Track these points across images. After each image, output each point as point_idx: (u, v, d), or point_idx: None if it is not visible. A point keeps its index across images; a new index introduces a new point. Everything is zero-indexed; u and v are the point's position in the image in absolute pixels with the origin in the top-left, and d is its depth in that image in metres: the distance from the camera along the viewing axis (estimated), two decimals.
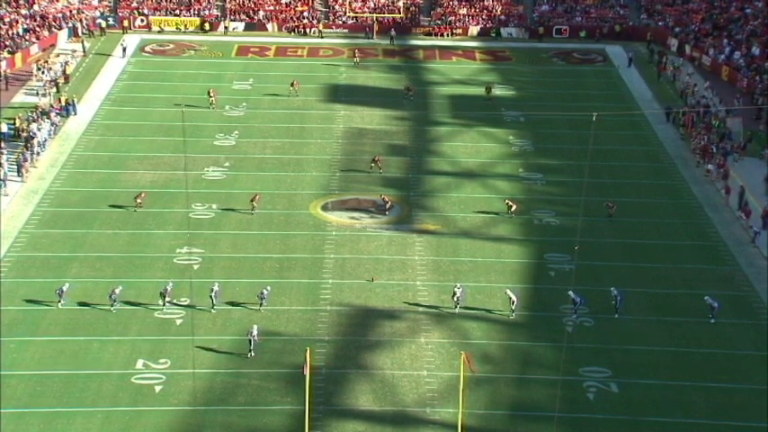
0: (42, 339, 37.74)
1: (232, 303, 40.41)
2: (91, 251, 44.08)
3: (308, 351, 31.68)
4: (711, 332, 39.45)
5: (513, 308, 40.06)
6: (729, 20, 72.96)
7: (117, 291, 39.83)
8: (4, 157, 51.63)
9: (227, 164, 53.58)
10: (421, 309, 40.66)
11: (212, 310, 39.72)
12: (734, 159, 53.29)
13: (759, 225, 46.91)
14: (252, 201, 48.20)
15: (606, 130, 55.50)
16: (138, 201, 47.88)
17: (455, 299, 40.32)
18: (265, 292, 40.27)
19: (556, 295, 41.46)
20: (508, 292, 40.62)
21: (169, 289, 40.18)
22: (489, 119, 60.79)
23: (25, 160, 51.29)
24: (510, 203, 48.50)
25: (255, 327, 37.69)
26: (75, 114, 59.15)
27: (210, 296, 39.80)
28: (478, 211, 48.92)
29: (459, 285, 40.96)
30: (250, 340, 37.17)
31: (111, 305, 39.61)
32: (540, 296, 41.83)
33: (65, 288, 40.03)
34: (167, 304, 39.85)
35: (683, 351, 38.24)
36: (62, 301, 39.74)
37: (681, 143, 57.73)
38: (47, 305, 39.81)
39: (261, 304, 39.99)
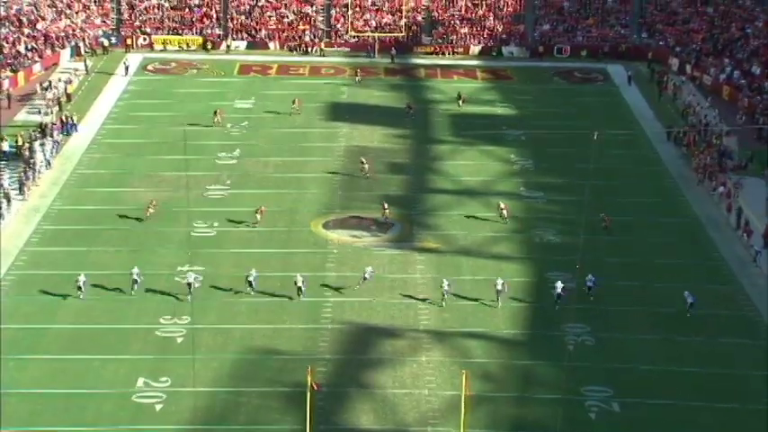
0: (42, 358, 37.62)
1: (233, 321, 40.35)
2: (92, 269, 43.95)
3: (310, 369, 31.57)
4: (714, 351, 39.29)
5: (499, 297, 41.49)
6: (730, 40, 73.16)
7: (135, 272, 41.94)
8: (6, 174, 51.77)
9: (228, 182, 53.61)
10: (422, 327, 40.55)
11: (251, 293, 41.76)
12: (729, 178, 53.14)
13: (760, 244, 46.81)
14: (256, 212, 48.34)
15: (607, 149, 55.45)
16: (150, 209, 48.25)
17: (443, 291, 41.51)
18: (254, 273, 42.05)
19: (557, 314, 41.33)
20: (498, 281, 41.80)
21: (192, 279, 41.85)
22: (490, 137, 60.84)
23: (27, 178, 51.33)
24: (502, 208, 49.14)
25: (370, 267, 42.93)
26: (77, 132, 59.19)
27: (249, 280, 41.68)
28: (479, 230, 48.85)
29: (445, 280, 41.86)
30: (364, 278, 41.83)
31: (133, 287, 41.76)
32: (542, 314, 41.71)
33: (81, 279, 41.19)
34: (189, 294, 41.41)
35: (686, 371, 38.06)
36: (82, 295, 41.00)
37: (682, 162, 57.73)
38: (47, 323, 39.74)
39: (251, 287, 41.87)
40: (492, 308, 41.75)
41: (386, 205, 49.71)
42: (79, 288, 41.31)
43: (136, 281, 41.95)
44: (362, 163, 54.74)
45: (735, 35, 73.45)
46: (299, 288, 41.91)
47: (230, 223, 48.74)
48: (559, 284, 41.92)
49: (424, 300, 42.48)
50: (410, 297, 42.61)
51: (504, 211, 49.34)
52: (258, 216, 48.31)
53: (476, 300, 42.14)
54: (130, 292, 41.78)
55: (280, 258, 45.58)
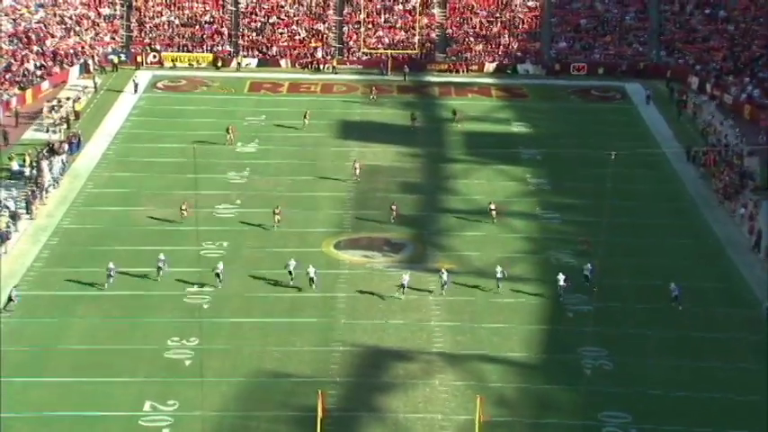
0: (48, 380, 37.69)
1: (242, 343, 40.38)
2: (100, 290, 44.11)
3: (320, 393, 31.53)
4: (734, 376, 39.04)
5: (500, 284, 44.19)
6: (751, 58, 73.09)
7: (161, 259, 44.65)
8: (14, 193, 52.11)
9: (238, 201, 53.78)
10: (435, 350, 40.49)
11: (291, 282, 44.36)
12: (751, 199, 52.95)
13: None
14: (274, 213, 50.07)
15: (625, 169, 55.33)
16: (183, 211, 49.90)
17: (441, 282, 44.04)
18: (292, 263, 44.50)
19: (574, 337, 41.21)
20: (498, 269, 44.65)
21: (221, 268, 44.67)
22: (505, 156, 60.90)
23: (35, 197, 51.62)
24: (492, 209, 51.07)
25: (407, 274, 44.65)
26: (78, 150, 59.40)
27: (289, 270, 44.30)
28: (494, 251, 48.76)
29: (444, 271, 44.35)
30: (402, 285, 43.74)
31: (159, 274, 44.32)
32: (558, 338, 41.60)
33: (111, 267, 44.04)
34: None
35: (706, 396, 37.84)
36: (110, 282, 43.90)
37: (702, 182, 57.60)
38: (53, 345, 39.85)
39: (291, 277, 44.46)
40: (504, 333, 41.72)
41: (394, 207, 51.12)
42: (109, 275, 43.92)
43: (160, 268, 44.55)
44: (354, 166, 56.33)
45: (756, 53, 73.37)
46: (311, 279, 44.04)
47: (240, 243, 48.81)
48: (561, 277, 44.16)
49: (430, 291, 44.26)
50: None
51: (494, 212, 51.11)
52: (277, 217, 49.96)
53: (476, 287, 44.92)
54: (156, 278, 44.55)
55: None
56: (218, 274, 44.45)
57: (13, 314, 41.81)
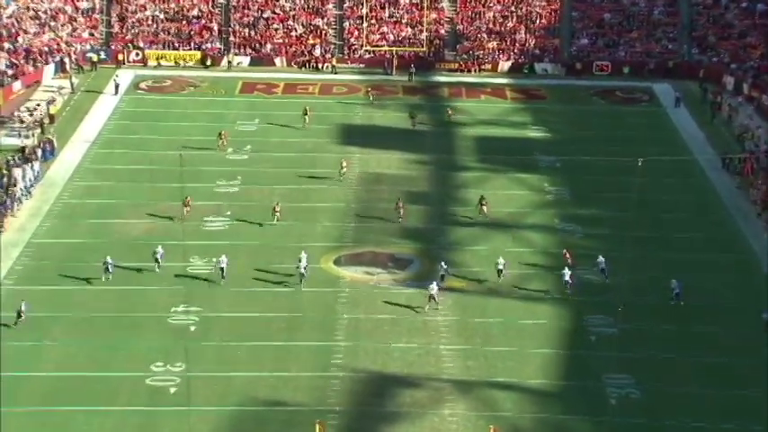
0: (20, 410, 37.66)
1: (233, 369, 40.42)
2: (75, 311, 44.21)
3: (318, 424, 31.55)
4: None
5: (501, 276, 46.41)
6: None
7: (159, 252, 47.03)
8: None
9: (228, 213, 53.91)
10: (444, 376, 40.51)
11: (302, 287, 45.97)
12: None
13: None
14: (274, 208, 52.01)
15: (653, 177, 55.45)
16: (186, 207, 51.63)
17: (440, 274, 46.10)
18: (304, 256, 46.73)
19: (597, 362, 41.20)
20: (500, 260, 47.00)
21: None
22: (521, 163, 61.07)
23: (6, 209, 51.72)
24: (483, 205, 52.99)
25: (434, 284, 45.12)
26: (53, 156, 59.56)
27: (301, 272, 45.96)
28: (509, 267, 48.81)
29: (444, 264, 46.70)
30: (431, 296, 44.43)
31: (158, 267, 46.65)
32: (580, 363, 41.60)
33: (109, 261, 45.94)
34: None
35: (739, 428, 37.76)
36: (110, 276, 46.09)
37: (738, 192, 57.65)
38: (25, 371, 39.87)
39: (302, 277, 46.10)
40: (520, 358, 41.76)
41: (400, 203, 52.75)
42: (107, 269, 46.04)
43: (158, 260, 46.97)
44: (342, 165, 57.84)
45: None
46: (302, 275, 46.11)
47: (230, 258, 48.82)
48: (567, 272, 46.32)
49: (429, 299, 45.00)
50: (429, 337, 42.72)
51: (485, 208, 53.13)
52: (276, 214, 51.88)
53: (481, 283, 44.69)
54: (155, 270, 46.89)
55: (286, 297, 45.69)
56: (221, 269, 46.17)
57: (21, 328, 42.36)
